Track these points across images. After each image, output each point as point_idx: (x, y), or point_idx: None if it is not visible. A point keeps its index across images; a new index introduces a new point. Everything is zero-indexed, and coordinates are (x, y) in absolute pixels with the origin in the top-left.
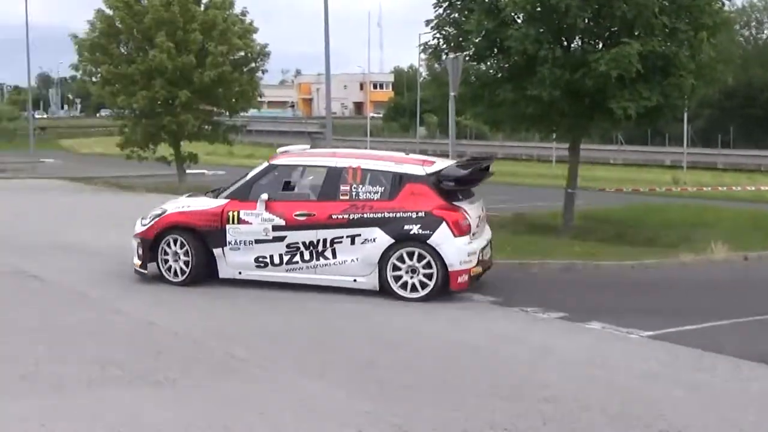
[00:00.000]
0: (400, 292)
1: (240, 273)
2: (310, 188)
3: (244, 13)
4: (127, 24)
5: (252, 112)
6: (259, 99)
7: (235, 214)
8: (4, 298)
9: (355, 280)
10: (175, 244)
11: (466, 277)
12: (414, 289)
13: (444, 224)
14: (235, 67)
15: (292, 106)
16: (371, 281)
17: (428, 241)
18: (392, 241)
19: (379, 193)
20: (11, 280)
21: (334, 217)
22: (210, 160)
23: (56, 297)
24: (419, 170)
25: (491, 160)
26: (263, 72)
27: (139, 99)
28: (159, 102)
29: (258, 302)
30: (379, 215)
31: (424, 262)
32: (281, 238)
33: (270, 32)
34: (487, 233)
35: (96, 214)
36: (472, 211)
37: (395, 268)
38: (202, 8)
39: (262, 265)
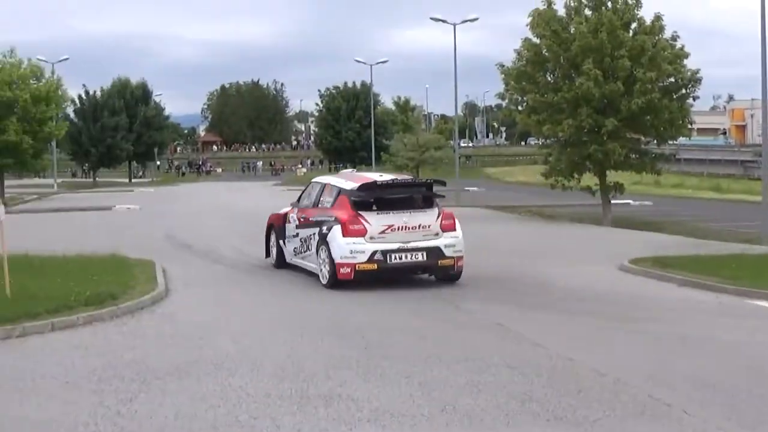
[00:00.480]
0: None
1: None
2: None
3: (674, 38)
4: (554, 52)
5: (681, 140)
6: (689, 127)
7: (288, 216)
8: (430, 329)
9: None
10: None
11: (348, 270)
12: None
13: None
14: (665, 94)
15: (724, 134)
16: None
17: (326, 239)
18: (318, 238)
19: (330, 203)
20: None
21: (310, 219)
22: (635, 189)
23: (477, 329)
24: (349, 186)
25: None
26: (694, 99)
27: (564, 127)
28: (585, 130)
29: (672, 342)
30: (322, 218)
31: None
32: (297, 235)
33: (701, 56)
34: (418, 237)
35: (518, 243)
36: (383, 219)
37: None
38: (631, 34)
39: (295, 253)
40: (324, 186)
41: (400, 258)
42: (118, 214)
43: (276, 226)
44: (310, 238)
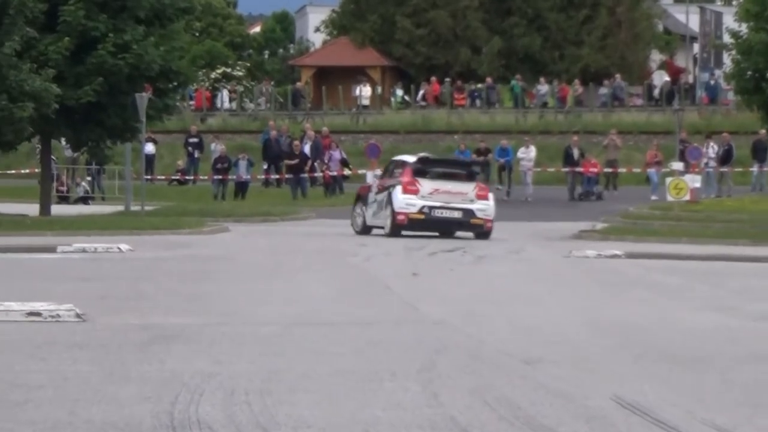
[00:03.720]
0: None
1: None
2: None
3: None
4: None
5: None
6: None
7: (371, 186)
8: None
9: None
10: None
11: (403, 217)
12: None
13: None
14: None
15: None
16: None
17: (391, 196)
18: (387, 197)
19: (399, 173)
20: None
21: (385, 186)
22: None
23: None
24: (412, 159)
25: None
26: None
27: None
28: None
29: None
30: (392, 183)
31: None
32: (375, 200)
33: None
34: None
35: None
36: (432, 184)
37: None
38: None
39: (372, 215)
40: (398, 161)
41: (441, 213)
42: None
43: (362, 195)
44: (384, 200)
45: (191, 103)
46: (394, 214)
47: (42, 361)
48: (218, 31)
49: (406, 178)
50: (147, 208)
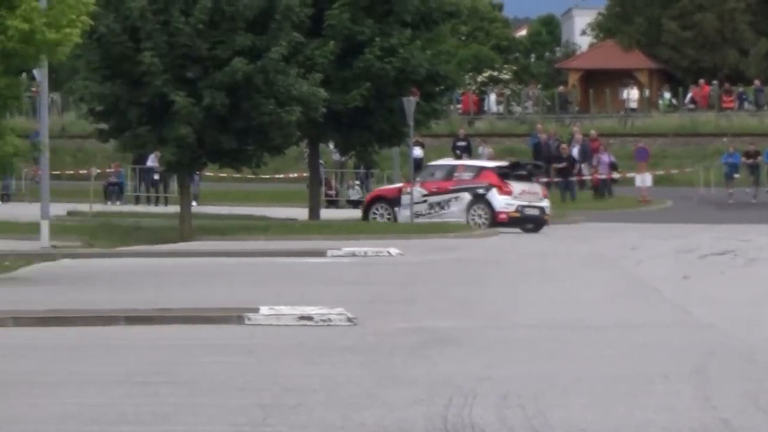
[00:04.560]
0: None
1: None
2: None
3: None
4: None
5: None
6: None
7: (404, 189)
8: None
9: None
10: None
11: (504, 216)
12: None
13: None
14: None
15: None
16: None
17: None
18: (472, 197)
19: (470, 176)
20: None
21: (449, 188)
22: None
23: None
24: (489, 164)
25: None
26: None
27: None
28: None
29: None
30: (467, 186)
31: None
32: (425, 201)
33: None
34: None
35: None
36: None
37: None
38: None
39: (417, 215)
40: (454, 166)
41: (528, 211)
42: None
43: (389, 197)
44: (450, 201)
45: (458, 106)
46: (495, 213)
47: (314, 365)
48: (484, 34)
49: (497, 182)
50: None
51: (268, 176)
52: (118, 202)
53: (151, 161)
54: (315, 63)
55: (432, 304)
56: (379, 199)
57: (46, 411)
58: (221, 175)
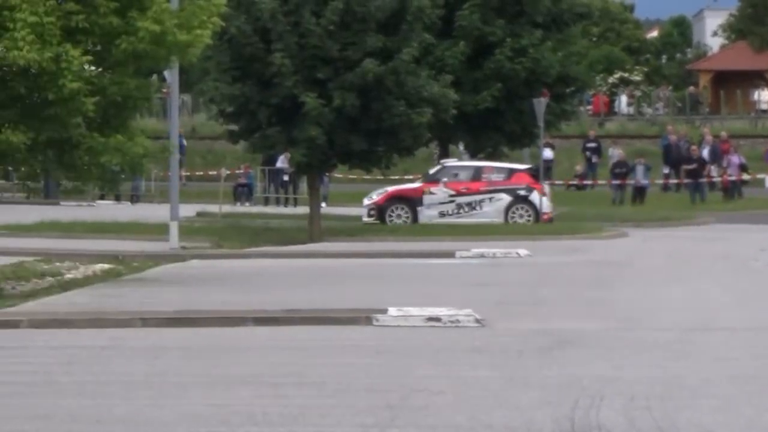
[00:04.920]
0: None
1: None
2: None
3: None
4: None
5: None
6: None
7: (427, 189)
8: None
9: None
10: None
11: (547, 216)
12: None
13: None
14: None
15: None
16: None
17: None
18: (512, 198)
19: (501, 177)
20: None
21: (480, 189)
22: None
23: None
24: (520, 167)
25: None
26: None
27: None
28: None
29: None
30: (502, 188)
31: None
32: (453, 201)
33: None
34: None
35: None
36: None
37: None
38: None
39: (442, 215)
40: (481, 167)
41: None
42: None
43: (412, 197)
44: (483, 202)
45: (589, 107)
46: (538, 214)
47: (442, 366)
48: (615, 35)
49: (536, 185)
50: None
51: (397, 177)
52: (247, 203)
53: (281, 162)
54: (445, 64)
55: (560, 306)
56: (397, 199)
57: (175, 412)
58: (351, 176)
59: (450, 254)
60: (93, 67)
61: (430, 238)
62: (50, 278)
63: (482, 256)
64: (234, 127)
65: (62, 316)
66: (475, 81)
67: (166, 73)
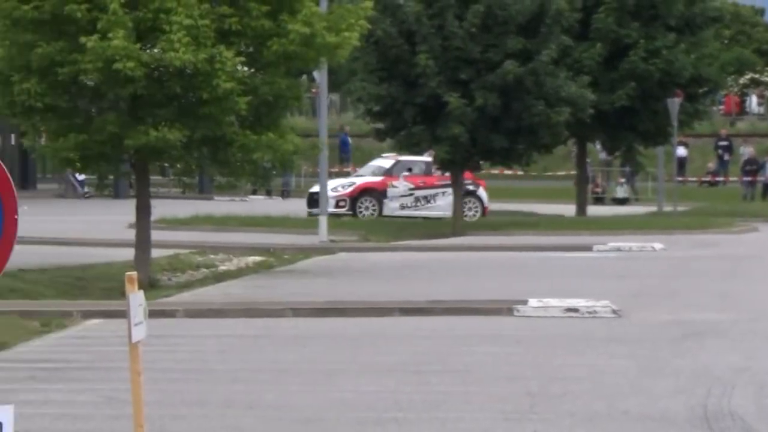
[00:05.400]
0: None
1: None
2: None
3: None
4: None
5: None
6: None
7: (390, 183)
8: None
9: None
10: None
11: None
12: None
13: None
14: None
15: None
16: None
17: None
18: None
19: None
20: None
21: (436, 183)
22: None
23: None
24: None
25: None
26: None
27: None
28: None
29: None
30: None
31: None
32: (412, 194)
33: None
34: None
35: None
36: None
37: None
38: None
39: (402, 207)
40: (430, 162)
41: None
42: None
43: (377, 190)
44: (437, 196)
45: (720, 107)
46: (483, 207)
47: (579, 355)
48: (746, 38)
49: (480, 181)
50: (679, 208)
51: (536, 174)
52: None
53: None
54: (583, 65)
55: (694, 298)
56: (367, 192)
57: (324, 398)
58: (492, 172)
59: (588, 248)
60: (245, 68)
61: (568, 233)
62: (204, 270)
63: (618, 249)
64: (380, 125)
65: (216, 306)
66: (611, 81)
67: (315, 74)
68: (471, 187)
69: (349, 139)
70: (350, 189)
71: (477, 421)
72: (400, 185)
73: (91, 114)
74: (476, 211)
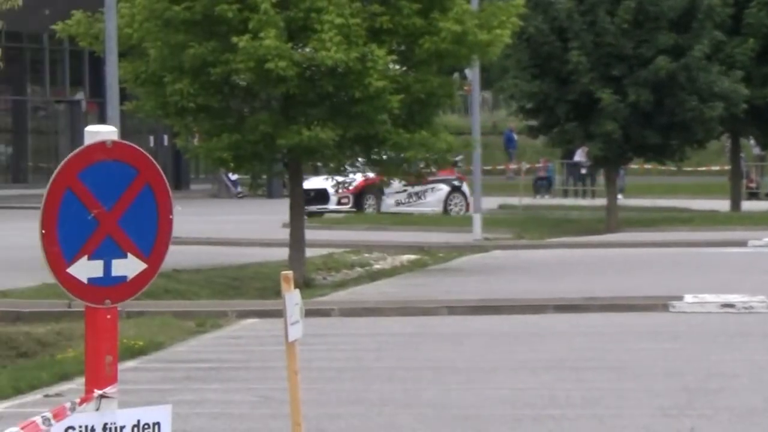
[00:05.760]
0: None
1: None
2: None
3: None
4: None
5: None
6: None
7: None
8: None
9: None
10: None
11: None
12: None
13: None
14: None
15: None
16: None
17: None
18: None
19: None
20: None
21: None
22: None
23: None
24: None
25: None
26: None
27: None
28: None
29: None
30: (442, 178)
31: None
32: (405, 191)
33: None
34: None
35: None
36: None
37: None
38: None
39: (397, 203)
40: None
41: None
42: None
43: (378, 187)
44: (427, 192)
45: None
46: (467, 203)
47: (736, 350)
48: None
49: (463, 176)
50: None
51: (690, 169)
52: (546, 196)
53: (579, 156)
54: (735, 60)
55: None
56: (369, 188)
57: (481, 395)
58: (646, 167)
59: (742, 243)
60: (397, 66)
61: (722, 228)
62: (359, 269)
63: None
64: (533, 122)
65: (371, 304)
66: (764, 76)
67: (467, 71)
68: (456, 183)
69: (515, 136)
70: (355, 186)
71: (634, 417)
72: (396, 182)
73: (243, 114)
74: (461, 207)
